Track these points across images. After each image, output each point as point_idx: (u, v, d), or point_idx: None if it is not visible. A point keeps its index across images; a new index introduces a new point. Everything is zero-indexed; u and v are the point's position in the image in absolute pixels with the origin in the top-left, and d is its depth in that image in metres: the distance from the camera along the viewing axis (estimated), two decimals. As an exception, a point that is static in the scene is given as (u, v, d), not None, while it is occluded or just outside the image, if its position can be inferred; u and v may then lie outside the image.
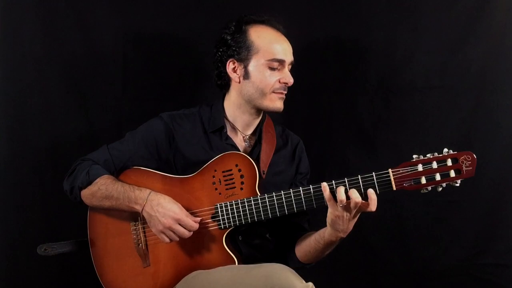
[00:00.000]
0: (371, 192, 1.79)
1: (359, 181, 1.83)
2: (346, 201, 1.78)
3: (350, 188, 1.81)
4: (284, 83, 2.06)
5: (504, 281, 2.58)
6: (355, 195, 1.78)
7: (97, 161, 2.08)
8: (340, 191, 1.79)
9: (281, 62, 2.05)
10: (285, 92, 2.09)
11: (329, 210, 1.84)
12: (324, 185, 1.83)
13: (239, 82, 2.09)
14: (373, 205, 1.79)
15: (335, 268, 2.66)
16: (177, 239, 1.95)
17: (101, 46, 2.61)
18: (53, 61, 2.59)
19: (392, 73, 2.63)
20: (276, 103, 2.08)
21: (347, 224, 1.84)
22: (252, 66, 2.06)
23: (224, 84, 2.15)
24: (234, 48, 2.07)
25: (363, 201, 1.79)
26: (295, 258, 2.06)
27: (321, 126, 2.68)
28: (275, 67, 2.05)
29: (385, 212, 2.61)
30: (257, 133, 2.16)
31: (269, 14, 2.12)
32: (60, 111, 2.61)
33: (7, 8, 2.54)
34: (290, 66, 2.11)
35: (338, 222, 1.84)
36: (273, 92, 2.06)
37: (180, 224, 1.93)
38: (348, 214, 1.81)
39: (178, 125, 2.11)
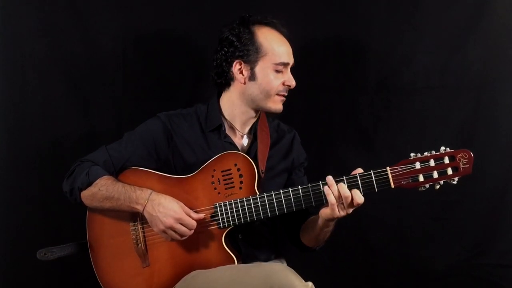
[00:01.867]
0: (354, 191, 1.83)
1: (358, 180, 1.84)
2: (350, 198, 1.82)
3: (351, 188, 1.83)
4: (287, 85, 2.08)
5: (504, 281, 2.58)
6: (357, 195, 1.82)
7: (97, 162, 2.08)
8: (343, 187, 1.82)
9: (286, 65, 2.07)
10: (286, 94, 2.11)
11: (329, 211, 1.86)
12: (331, 182, 1.85)
13: (244, 83, 2.09)
14: (357, 198, 1.82)
15: (335, 268, 2.66)
16: (179, 238, 1.95)
17: (101, 46, 2.62)
18: (53, 61, 2.60)
19: (392, 73, 2.63)
20: (279, 105, 2.11)
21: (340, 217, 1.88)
22: (259, 68, 2.06)
23: (225, 83, 2.14)
24: (241, 49, 2.06)
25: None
26: (303, 245, 2.10)
27: (321, 126, 2.69)
28: (280, 69, 2.07)
29: (385, 212, 2.62)
30: (253, 131, 2.17)
31: (271, 16, 2.12)
32: (60, 111, 2.61)
33: (7, 8, 2.55)
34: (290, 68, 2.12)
35: (333, 219, 1.90)
36: (277, 94, 2.09)
37: (181, 223, 1.93)
38: (346, 212, 1.85)
39: (176, 125, 2.11)
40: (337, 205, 1.83)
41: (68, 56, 2.60)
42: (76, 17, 2.60)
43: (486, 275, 2.60)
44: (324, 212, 1.88)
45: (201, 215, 1.97)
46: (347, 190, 1.82)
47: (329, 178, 1.85)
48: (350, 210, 1.85)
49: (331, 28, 2.64)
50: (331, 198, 1.83)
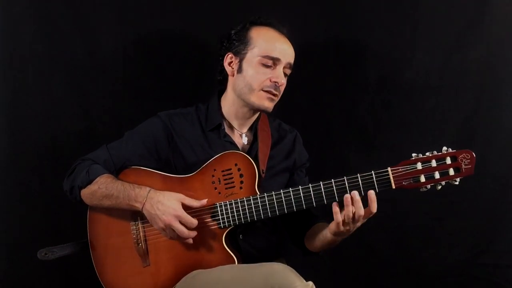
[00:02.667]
0: (371, 193, 1.80)
1: (359, 180, 1.84)
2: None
3: (350, 190, 1.83)
4: (274, 82, 2.04)
5: (504, 281, 2.58)
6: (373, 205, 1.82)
7: (97, 161, 2.08)
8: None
9: (276, 60, 2.04)
10: (276, 93, 2.07)
11: (335, 225, 1.85)
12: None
13: (233, 76, 2.10)
14: (373, 207, 1.80)
15: (335, 268, 2.66)
16: (179, 236, 1.94)
17: (101, 46, 2.62)
18: (54, 61, 2.60)
19: (392, 73, 2.63)
20: (264, 102, 2.06)
21: (350, 232, 1.88)
22: (246, 60, 2.06)
23: (223, 79, 2.15)
24: (234, 42, 2.08)
25: (365, 208, 1.81)
26: (307, 250, 2.10)
27: (321, 126, 2.68)
28: (268, 64, 2.04)
29: (385, 212, 2.59)
30: (253, 130, 2.17)
31: (276, 19, 2.12)
32: (60, 111, 2.61)
33: (7, 8, 2.55)
34: (288, 70, 2.10)
35: (342, 235, 1.89)
36: (262, 89, 2.05)
37: (180, 222, 1.93)
38: (353, 226, 1.86)
39: (177, 124, 2.11)
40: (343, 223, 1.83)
41: (68, 56, 2.60)
42: (76, 17, 2.59)
43: (486, 275, 2.60)
44: (330, 229, 1.88)
45: (204, 201, 1.96)
46: (362, 209, 1.81)
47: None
48: (358, 224, 1.86)
49: (331, 28, 2.64)
50: (338, 217, 1.82)
